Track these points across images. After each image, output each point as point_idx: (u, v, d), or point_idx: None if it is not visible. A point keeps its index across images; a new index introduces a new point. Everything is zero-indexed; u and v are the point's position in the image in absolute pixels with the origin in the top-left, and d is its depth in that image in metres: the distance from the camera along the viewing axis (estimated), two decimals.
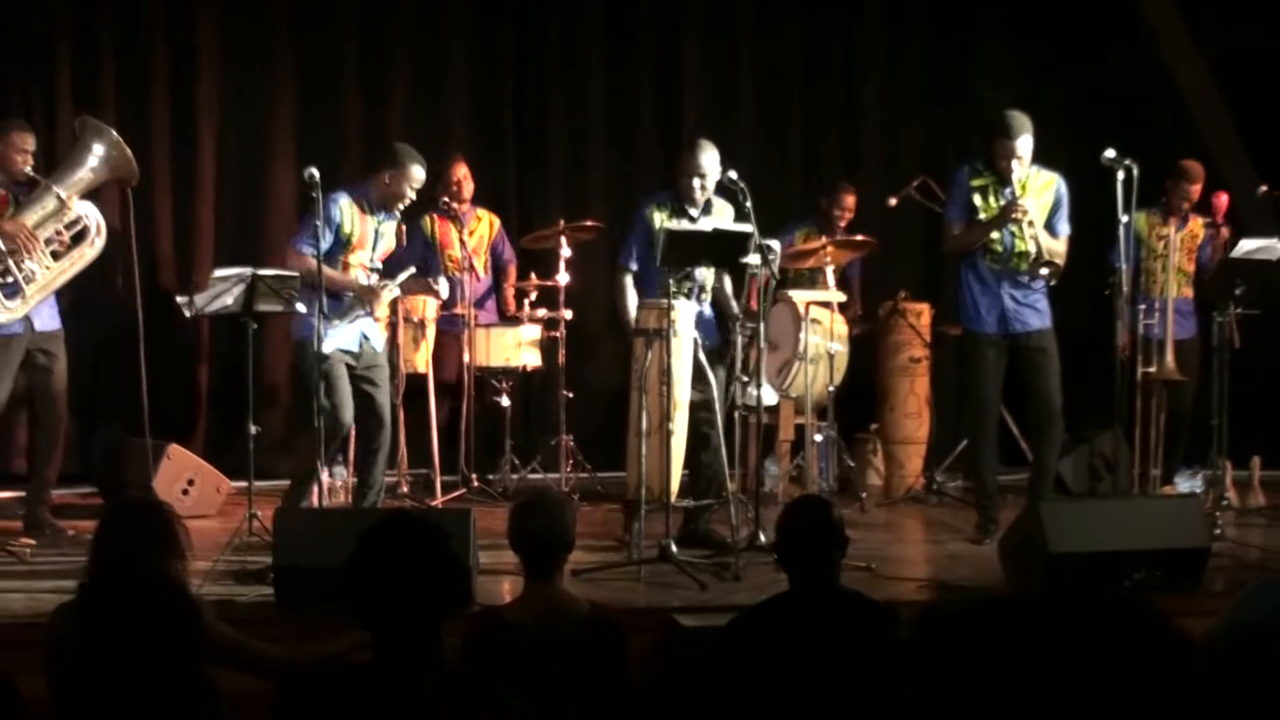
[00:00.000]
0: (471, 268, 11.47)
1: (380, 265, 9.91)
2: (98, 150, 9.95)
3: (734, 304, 10.08)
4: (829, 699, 4.63)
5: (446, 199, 11.56)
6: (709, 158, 9.69)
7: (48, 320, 9.93)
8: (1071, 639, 1.63)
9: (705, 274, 9.81)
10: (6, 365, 9.71)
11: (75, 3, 12.23)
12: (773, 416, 11.19)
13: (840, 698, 4.72)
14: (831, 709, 4.54)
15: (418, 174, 9.70)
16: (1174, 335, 10.82)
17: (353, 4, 12.75)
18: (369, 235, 9.71)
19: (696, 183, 9.69)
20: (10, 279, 9.59)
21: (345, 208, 9.62)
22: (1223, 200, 11.24)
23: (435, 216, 11.65)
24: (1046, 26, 13.40)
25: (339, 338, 9.51)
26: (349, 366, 9.63)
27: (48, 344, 9.93)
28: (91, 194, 10.01)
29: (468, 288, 11.38)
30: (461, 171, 11.68)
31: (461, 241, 11.56)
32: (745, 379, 9.63)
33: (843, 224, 12.00)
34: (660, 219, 9.69)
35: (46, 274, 9.78)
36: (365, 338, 9.72)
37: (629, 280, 9.87)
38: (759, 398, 9.59)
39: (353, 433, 9.98)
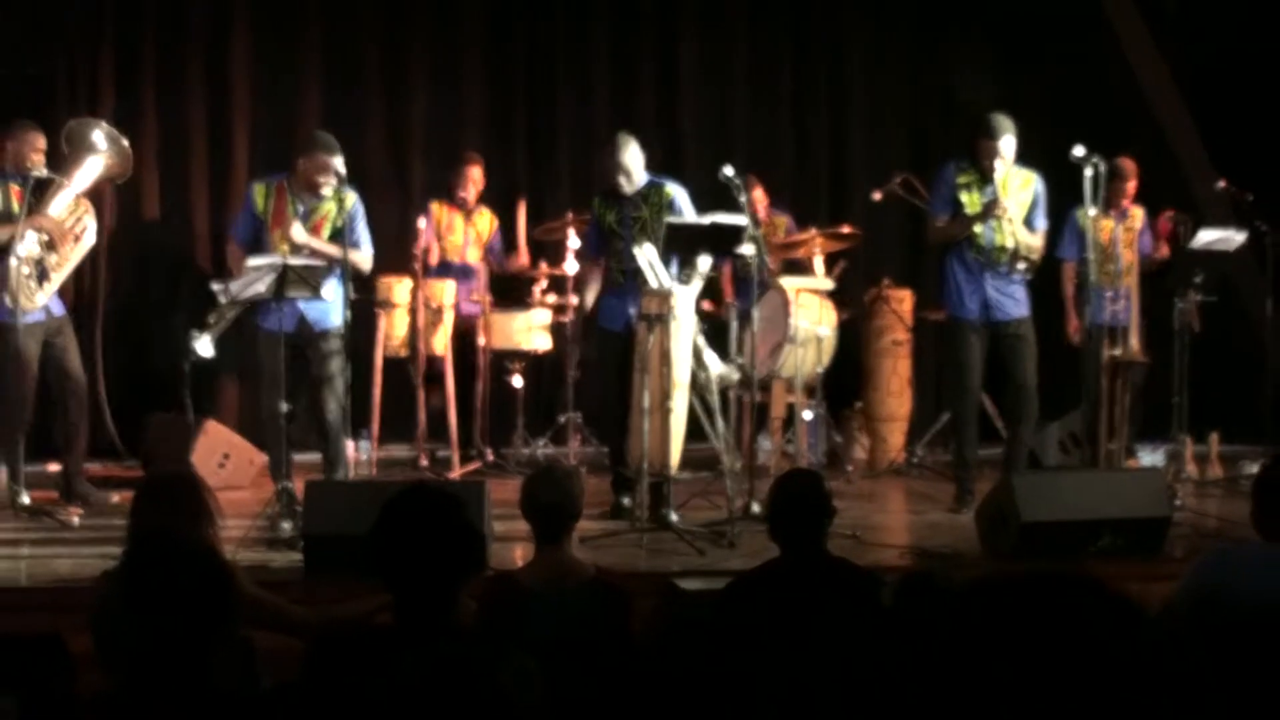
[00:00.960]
0: (484, 256, 11.50)
1: (309, 240, 9.70)
2: (100, 142, 10.01)
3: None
4: (818, 657, 4.64)
5: (461, 194, 11.56)
6: (630, 153, 9.79)
7: (57, 307, 9.99)
8: (1032, 619, 1.59)
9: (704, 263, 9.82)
10: (26, 348, 9.72)
11: (119, 11, 12.23)
12: (765, 394, 11.20)
13: (827, 656, 4.73)
14: (819, 666, 4.55)
15: (325, 160, 9.60)
16: (1112, 321, 10.76)
17: (376, 10, 12.75)
18: (288, 212, 9.68)
19: (620, 179, 9.77)
20: (42, 270, 9.65)
21: (257, 192, 9.66)
22: (1166, 227, 11.23)
23: (444, 205, 11.63)
24: (1015, 29, 13.39)
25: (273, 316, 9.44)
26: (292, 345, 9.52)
27: (62, 326, 10.00)
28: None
29: (481, 276, 11.40)
30: (476, 173, 11.66)
31: (467, 231, 11.56)
32: (740, 360, 9.62)
33: (761, 214, 11.92)
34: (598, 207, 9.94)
35: (65, 265, 9.85)
36: (303, 317, 9.62)
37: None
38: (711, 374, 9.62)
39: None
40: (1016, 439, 9.96)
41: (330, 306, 9.57)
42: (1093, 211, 9.64)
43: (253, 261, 9.23)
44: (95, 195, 10.30)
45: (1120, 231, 10.97)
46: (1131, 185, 10.99)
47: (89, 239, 10.10)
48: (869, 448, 12.08)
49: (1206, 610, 6.07)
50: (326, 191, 9.68)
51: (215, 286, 9.64)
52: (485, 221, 11.79)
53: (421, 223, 11.36)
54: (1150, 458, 11.35)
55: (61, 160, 10.02)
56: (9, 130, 9.97)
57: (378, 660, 4.10)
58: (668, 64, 13.28)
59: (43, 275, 9.70)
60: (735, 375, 9.85)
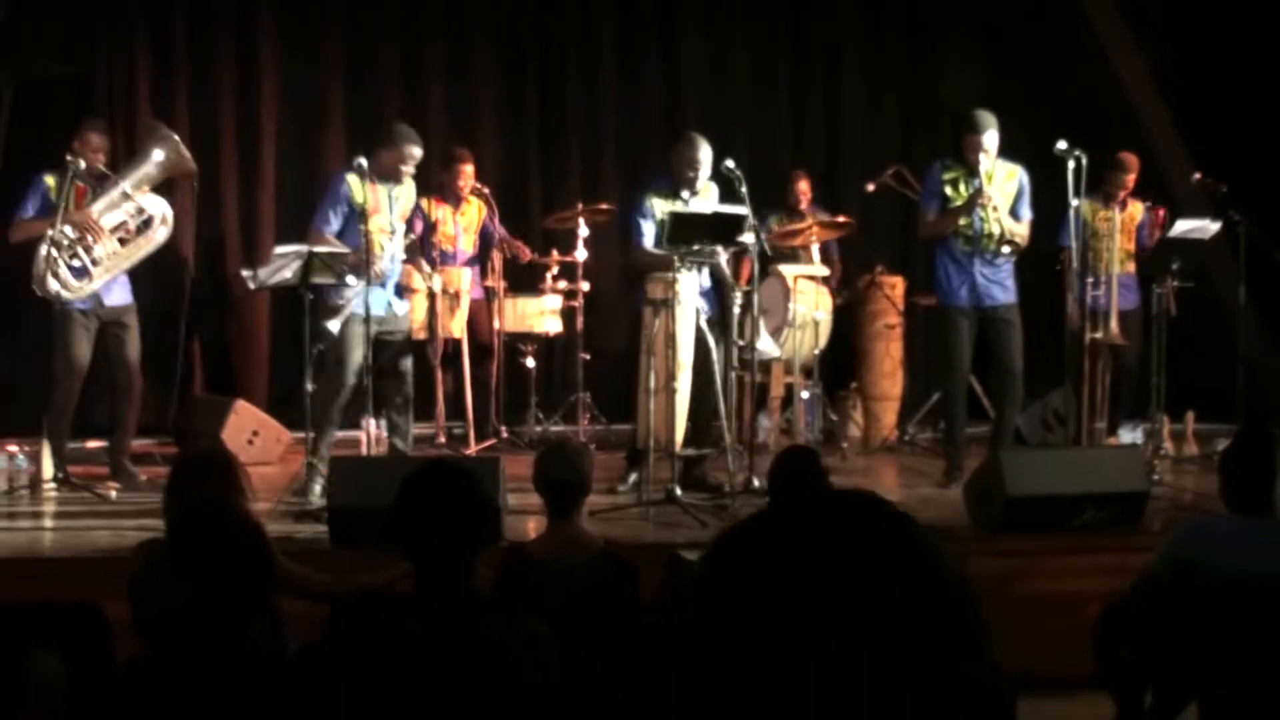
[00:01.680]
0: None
1: (401, 225, 9.91)
2: (158, 151, 10.05)
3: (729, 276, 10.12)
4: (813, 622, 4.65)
5: (454, 188, 11.54)
6: (704, 151, 9.74)
7: (118, 296, 9.99)
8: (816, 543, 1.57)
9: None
10: (79, 335, 9.76)
11: (152, 14, 12.24)
12: (765, 375, 11.21)
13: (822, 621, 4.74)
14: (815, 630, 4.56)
15: (410, 151, 9.79)
16: (1119, 306, 10.81)
17: (394, 11, 12.77)
18: (382, 201, 9.75)
19: (691, 173, 9.74)
20: (78, 262, 9.67)
21: (352, 182, 9.68)
22: (1160, 217, 11.22)
23: (434, 200, 11.58)
24: (1004, 31, 13.40)
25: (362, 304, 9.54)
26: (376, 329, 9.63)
27: (120, 317, 9.98)
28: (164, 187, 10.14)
29: (462, 264, 11.41)
30: (468, 168, 11.61)
31: (455, 221, 11.55)
32: (741, 342, 9.63)
33: (802, 206, 12.02)
34: (659, 204, 9.74)
35: (113, 257, 9.86)
36: (389, 305, 9.77)
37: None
38: (754, 354, 9.65)
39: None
40: (1003, 418, 9.97)
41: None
42: (1077, 202, 9.66)
43: (280, 249, 9.25)
44: (168, 192, 10.31)
45: (1119, 222, 10.96)
46: (1131, 178, 10.98)
47: (154, 235, 10.05)
48: (863, 426, 12.08)
49: (1181, 576, 6.08)
50: (407, 179, 9.89)
51: (244, 273, 9.67)
52: (474, 210, 11.74)
53: (426, 212, 11.37)
54: (1130, 435, 11.34)
55: (124, 158, 10.12)
56: (77, 130, 10.03)
57: (398, 625, 4.12)
58: (671, 61, 13.28)
59: (82, 268, 9.72)
60: (775, 353, 9.91)
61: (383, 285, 9.68)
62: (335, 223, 9.69)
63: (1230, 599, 5.82)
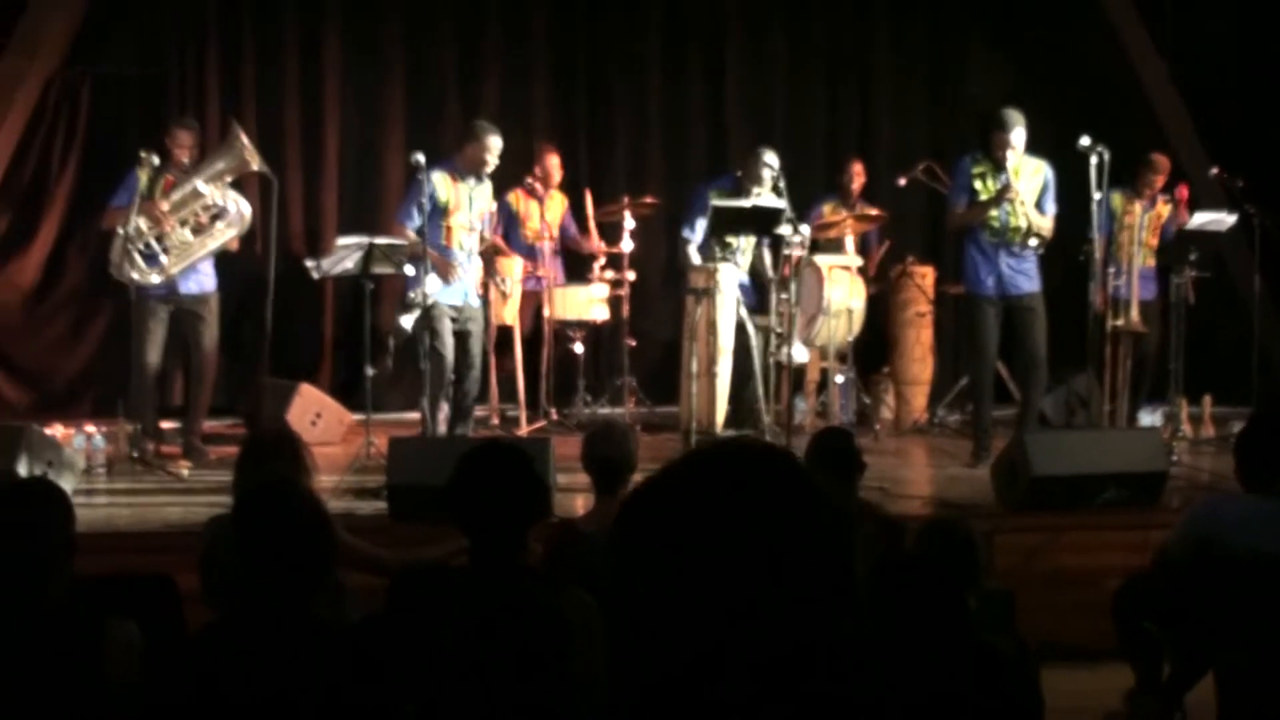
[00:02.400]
0: (553, 237, 11.54)
1: (480, 224, 10.02)
2: (229, 151, 10.15)
3: (770, 271, 10.15)
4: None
5: (531, 179, 11.58)
6: (770, 158, 9.97)
7: (194, 285, 10.07)
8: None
9: (745, 244, 9.87)
10: (153, 320, 9.82)
11: (221, 17, 12.29)
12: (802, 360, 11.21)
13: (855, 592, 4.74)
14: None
15: (493, 143, 9.89)
16: (1139, 296, 10.78)
17: (451, 14, 12.77)
18: (464, 200, 9.80)
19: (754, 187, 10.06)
20: (150, 251, 9.76)
21: (438, 180, 9.71)
22: (1184, 192, 11.17)
23: (521, 193, 11.64)
24: (1027, 32, 13.37)
25: (445, 294, 9.64)
26: (451, 319, 9.78)
27: (195, 305, 10.06)
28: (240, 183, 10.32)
29: (546, 255, 11.43)
30: (553, 161, 11.68)
31: (541, 216, 11.60)
32: (780, 330, 9.64)
33: (855, 189, 12.02)
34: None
35: (184, 246, 9.93)
36: (466, 295, 9.85)
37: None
38: (790, 355, 9.67)
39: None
40: (1028, 402, 9.94)
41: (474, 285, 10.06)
42: (1100, 195, 9.65)
43: (342, 241, 9.28)
44: (241, 186, 10.41)
45: (1145, 219, 10.91)
46: (1161, 180, 10.95)
47: (226, 227, 10.11)
48: (895, 409, 12.05)
49: (1198, 552, 6.07)
50: (489, 170, 9.97)
51: (308, 264, 9.73)
52: (556, 205, 11.78)
53: (513, 207, 11.42)
54: (1149, 418, 11.30)
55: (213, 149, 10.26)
56: (165, 128, 10.19)
57: (454, 596, 4.13)
58: (714, 61, 13.26)
59: (153, 256, 9.79)
60: (804, 359, 9.98)
61: (460, 280, 9.81)
62: (417, 218, 9.70)
63: (1244, 574, 5.81)
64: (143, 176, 9.78)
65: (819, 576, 1.59)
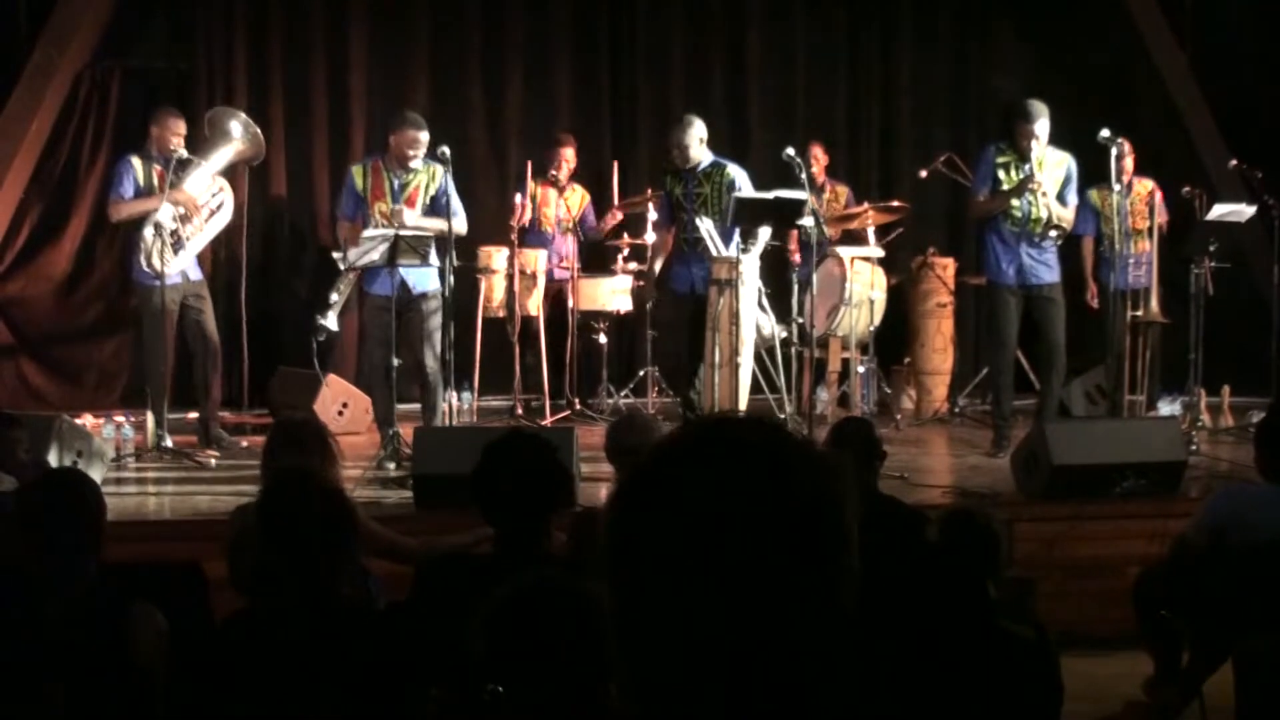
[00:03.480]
0: (574, 229, 11.55)
1: (401, 206, 9.73)
2: (235, 129, 10.21)
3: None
4: (868, 583, 4.64)
5: (554, 171, 11.58)
6: (689, 132, 10.02)
7: (195, 272, 10.13)
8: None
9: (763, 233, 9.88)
10: (169, 309, 9.86)
11: (250, 11, 12.32)
12: (823, 351, 11.20)
13: (876, 582, 4.73)
14: (869, 591, 4.55)
15: (412, 137, 9.65)
16: (1132, 285, 10.67)
17: (476, 11, 12.78)
18: (385, 187, 9.73)
19: (675, 152, 10.01)
20: (177, 239, 9.81)
21: (356, 172, 9.73)
22: (1152, 192, 11.12)
23: (541, 183, 11.64)
24: (1048, 25, 13.35)
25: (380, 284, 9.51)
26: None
27: (200, 290, 10.14)
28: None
29: (570, 246, 11.44)
30: (568, 152, 11.68)
31: (561, 207, 11.60)
32: (800, 320, 9.63)
33: (818, 174, 11.95)
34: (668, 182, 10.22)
35: (197, 236, 9.99)
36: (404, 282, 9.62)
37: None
38: (810, 328, 9.66)
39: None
40: (1047, 391, 9.93)
41: (428, 272, 9.57)
42: (1099, 189, 9.67)
43: (368, 233, 9.29)
44: (231, 175, 10.44)
45: (1125, 203, 10.83)
46: (1126, 161, 10.85)
47: (225, 215, 10.26)
48: (915, 399, 12.05)
49: (1216, 541, 6.05)
50: (416, 163, 9.69)
51: (335, 255, 9.73)
52: (576, 198, 11.79)
53: (518, 198, 11.43)
54: (1168, 408, 11.27)
55: (201, 143, 10.16)
56: (154, 116, 10.12)
57: (480, 583, 4.13)
58: (736, 54, 13.25)
59: (178, 244, 9.85)
60: (781, 335, 9.94)
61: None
62: (350, 208, 9.80)
63: (1264, 562, 5.79)
64: (138, 164, 9.81)
65: (813, 533, 1.59)
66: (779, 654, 1.57)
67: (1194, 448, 9.55)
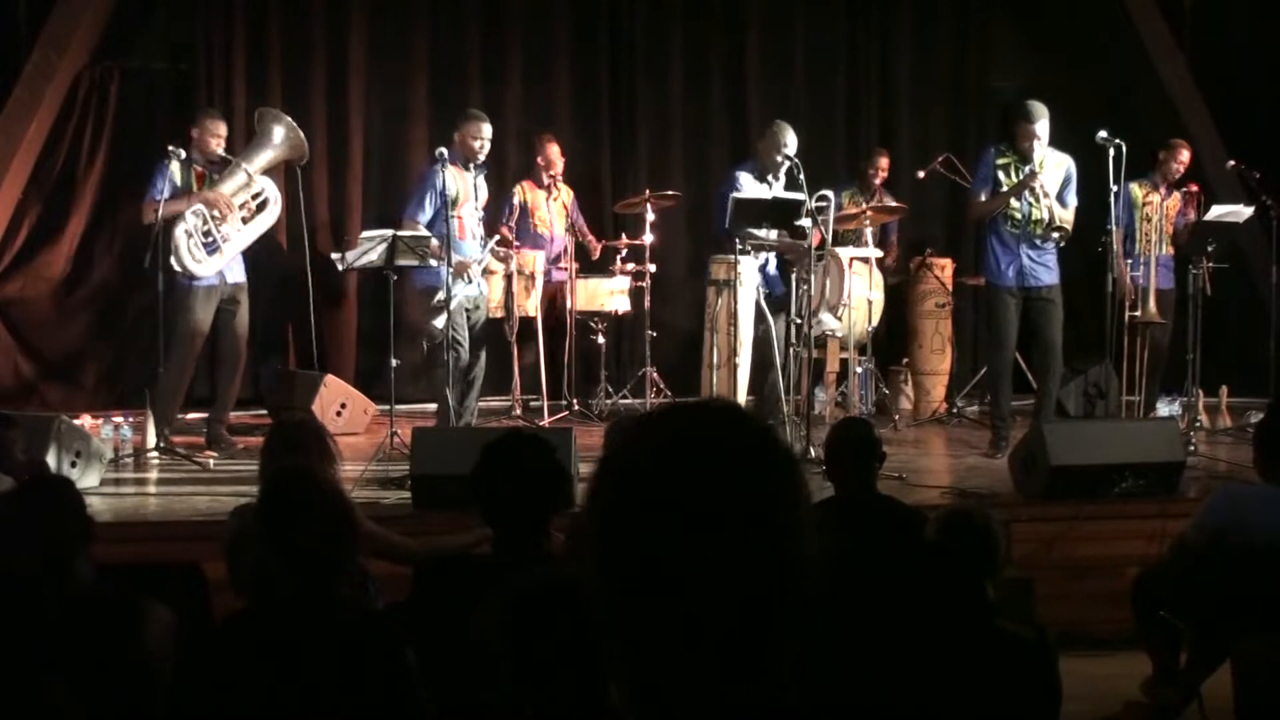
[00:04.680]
0: (570, 228, 11.56)
1: (484, 213, 10.04)
2: (278, 133, 10.19)
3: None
4: (867, 583, 4.64)
5: (548, 172, 11.56)
6: (791, 137, 10.10)
7: (237, 273, 10.13)
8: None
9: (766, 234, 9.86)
10: (202, 310, 9.86)
11: (249, 12, 12.31)
12: (821, 351, 11.20)
13: (875, 582, 4.73)
14: (868, 591, 4.55)
15: (479, 128, 9.95)
16: (1158, 285, 10.75)
17: (475, 12, 12.78)
18: (469, 189, 9.83)
19: (778, 157, 10.03)
20: (211, 240, 9.80)
21: (450, 174, 9.76)
22: (1195, 186, 11.15)
23: (528, 184, 11.64)
24: (1047, 25, 13.36)
25: (460, 286, 9.68)
26: (467, 310, 9.86)
27: (236, 293, 10.11)
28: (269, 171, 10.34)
29: (567, 246, 11.44)
30: (554, 150, 11.66)
31: (550, 207, 11.60)
32: (799, 320, 9.63)
33: (878, 181, 12.07)
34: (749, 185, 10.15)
35: (238, 235, 10.00)
36: (480, 285, 9.88)
37: None
38: (818, 324, 9.65)
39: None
40: (1044, 392, 9.93)
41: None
42: (1117, 187, 9.68)
43: (367, 234, 9.30)
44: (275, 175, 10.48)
45: (1167, 206, 10.89)
46: (1182, 166, 10.92)
47: (271, 214, 10.26)
48: (914, 399, 12.07)
49: (1215, 541, 6.05)
50: (479, 157, 10.03)
51: (333, 256, 9.74)
52: (566, 195, 11.79)
53: (517, 198, 11.44)
54: (1167, 409, 11.27)
55: (240, 144, 10.23)
56: (194, 119, 10.18)
57: (478, 583, 4.13)
58: (735, 56, 13.26)
59: (212, 245, 9.86)
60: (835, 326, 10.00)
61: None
62: (429, 211, 9.86)
63: (1262, 563, 5.79)
64: (175, 167, 9.81)
65: (775, 515, 1.63)
66: (741, 638, 1.59)
67: (1192, 448, 9.56)
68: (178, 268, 9.74)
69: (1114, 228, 10.02)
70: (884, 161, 12.21)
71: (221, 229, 9.90)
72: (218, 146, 9.98)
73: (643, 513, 1.62)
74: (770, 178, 10.21)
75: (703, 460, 1.63)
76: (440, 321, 9.67)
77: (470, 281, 9.98)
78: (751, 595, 1.59)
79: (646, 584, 1.59)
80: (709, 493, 1.61)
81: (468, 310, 10.04)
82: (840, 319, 10.94)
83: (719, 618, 1.58)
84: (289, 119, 10.34)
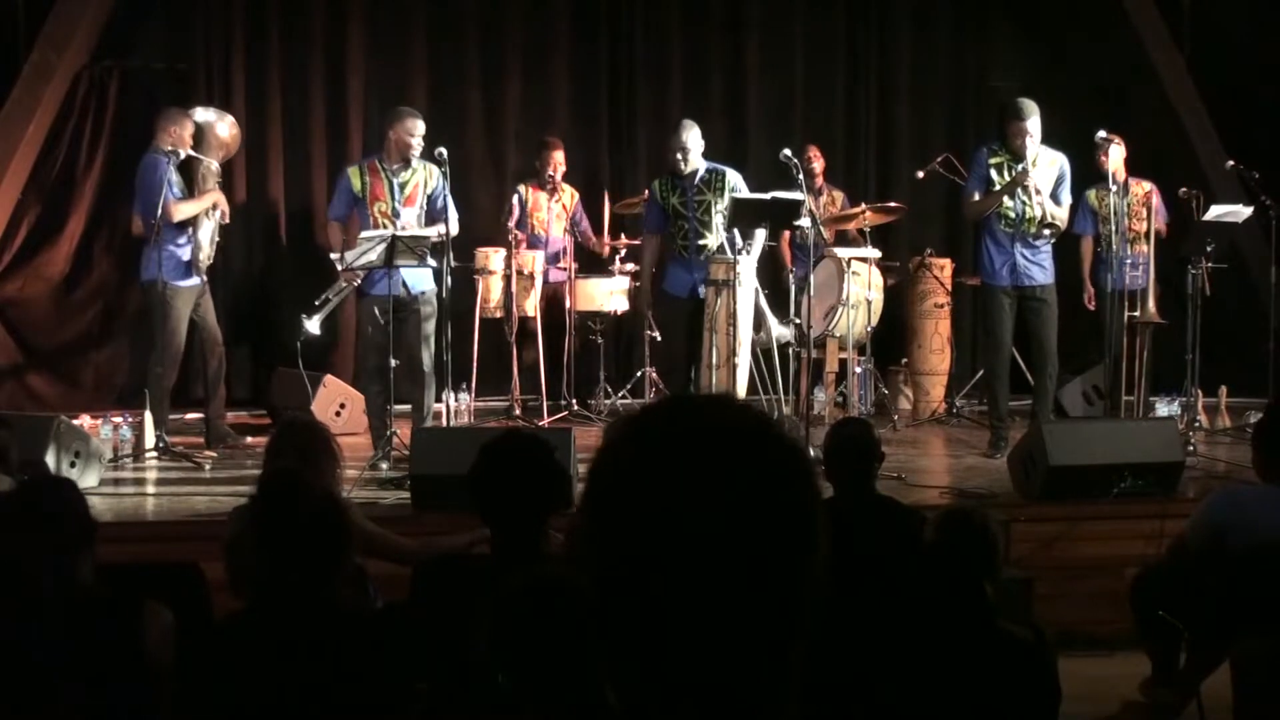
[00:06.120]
0: (570, 229, 11.55)
1: (403, 209, 9.79)
2: (223, 129, 10.32)
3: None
4: (866, 583, 4.64)
5: (550, 174, 11.55)
6: (691, 136, 9.95)
7: (207, 273, 10.16)
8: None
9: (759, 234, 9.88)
10: (182, 310, 9.88)
11: (248, 12, 12.31)
12: (821, 352, 11.20)
13: (874, 581, 4.74)
14: (867, 591, 4.55)
15: (411, 125, 9.75)
16: (1130, 285, 10.65)
17: (475, 12, 12.78)
18: (384, 187, 9.77)
19: (678, 156, 9.92)
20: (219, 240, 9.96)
21: (353, 174, 9.76)
22: (1147, 194, 11.11)
23: (531, 186, 11.63)
24: (1047, 25, 13.36)
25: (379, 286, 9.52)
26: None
27: (205, 292, 10.16)
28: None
29: (567, 247, 11.43)
30: (558, 155, 11.65)
31: (551, 208, 11.59)
32: (797, 320, 9.63)
33: (818, 174, 12.03)
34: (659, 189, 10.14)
35: (215, 234, 10.08)
36: (404, 283, 9.67)
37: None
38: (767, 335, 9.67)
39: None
40: (1041, 393, 9.92)
41: (426, 273, 9.62)
42: (1096, 190, 9.71)
43: (366, 234, 9.30)
44: (227, 175, 10.52)
45: (1122, 204, 10.83)
46: (1106, 157, 10.82)
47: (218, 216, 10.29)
48: (913, 399, 12.07)
49: (1214, 541, 6.05)
50: (414, 153, 9.76)
51: (333, 255, 9.73)
52: (568, 198, 11.78)
53: (515, 199, 11.44)
54: (1166, 408, 11.27)
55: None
56: (168, 116, 10.11)
57: (475, 584, 4.13)
58: (734, 57, 13.26)
59: (218, 243, 10.03)
60: (790, 335, 9.92)
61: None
62: (341, 210, 9.96)
63: (1261, 563, 5.79)
64: (173, 168, 9.82)
65: (786, 521, 1.61)
66: (751, 638, 1.58)
67: (1191, 448, 9.56)
68: (198, 265, 9.88)
69: (1112, 228, 10.04)
70: (814, 151, 12.14)
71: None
72: (190, 145, 9.98)
73: (639, 507, 1.60)
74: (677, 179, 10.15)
75: (703, 453, 1.60)
76: (313, 324, 9.63)
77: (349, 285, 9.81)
78: (754, 596, 1.58)
79: (641, 582, 1.58)
80: (709, 486, 1.58)
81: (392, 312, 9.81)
82: (835, 321, 10.94)
83: (718, 617, 1.57)
84: (205, 109, 10.45)
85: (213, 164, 10.09)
